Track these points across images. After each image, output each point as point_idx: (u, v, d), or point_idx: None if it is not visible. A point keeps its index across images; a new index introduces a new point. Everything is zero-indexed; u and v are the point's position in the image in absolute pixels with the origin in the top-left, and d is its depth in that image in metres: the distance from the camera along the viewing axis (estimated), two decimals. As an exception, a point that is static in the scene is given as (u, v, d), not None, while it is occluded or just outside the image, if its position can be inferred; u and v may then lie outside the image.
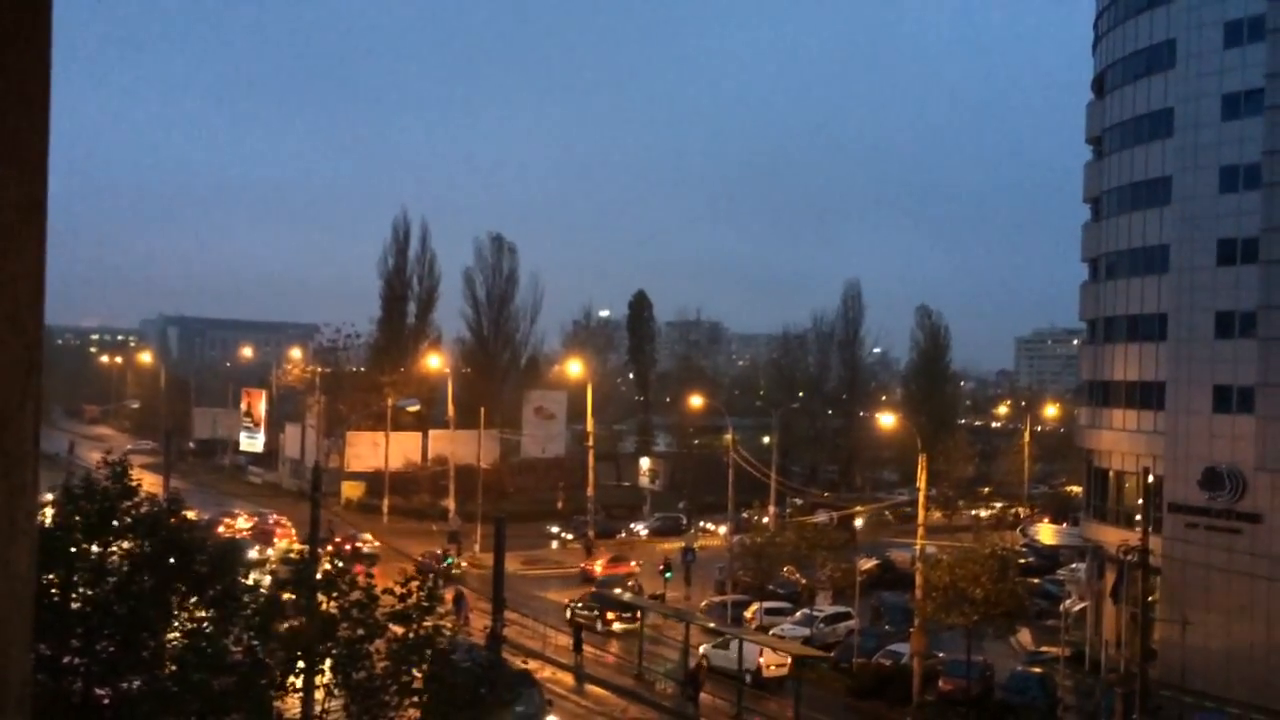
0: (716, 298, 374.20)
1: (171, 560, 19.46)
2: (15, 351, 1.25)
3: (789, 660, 42.76)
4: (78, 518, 19.03)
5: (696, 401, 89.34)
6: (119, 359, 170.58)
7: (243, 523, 70.17)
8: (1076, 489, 79.74)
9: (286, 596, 18.27)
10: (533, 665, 44.67)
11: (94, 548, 19.32)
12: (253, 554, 45.51)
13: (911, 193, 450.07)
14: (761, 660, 44.06)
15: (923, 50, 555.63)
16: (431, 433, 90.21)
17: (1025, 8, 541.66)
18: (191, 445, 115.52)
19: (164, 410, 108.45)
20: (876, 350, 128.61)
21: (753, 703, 42.03)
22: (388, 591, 16.99)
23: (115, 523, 19.35)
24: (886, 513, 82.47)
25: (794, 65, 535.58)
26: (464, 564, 64.11)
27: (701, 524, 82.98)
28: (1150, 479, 46.72)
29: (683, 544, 70.92)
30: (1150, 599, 43.51)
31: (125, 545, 19.85)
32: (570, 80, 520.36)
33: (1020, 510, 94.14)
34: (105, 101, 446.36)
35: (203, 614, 19.08)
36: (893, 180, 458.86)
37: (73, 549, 18.81)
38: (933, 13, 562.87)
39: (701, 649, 45.75)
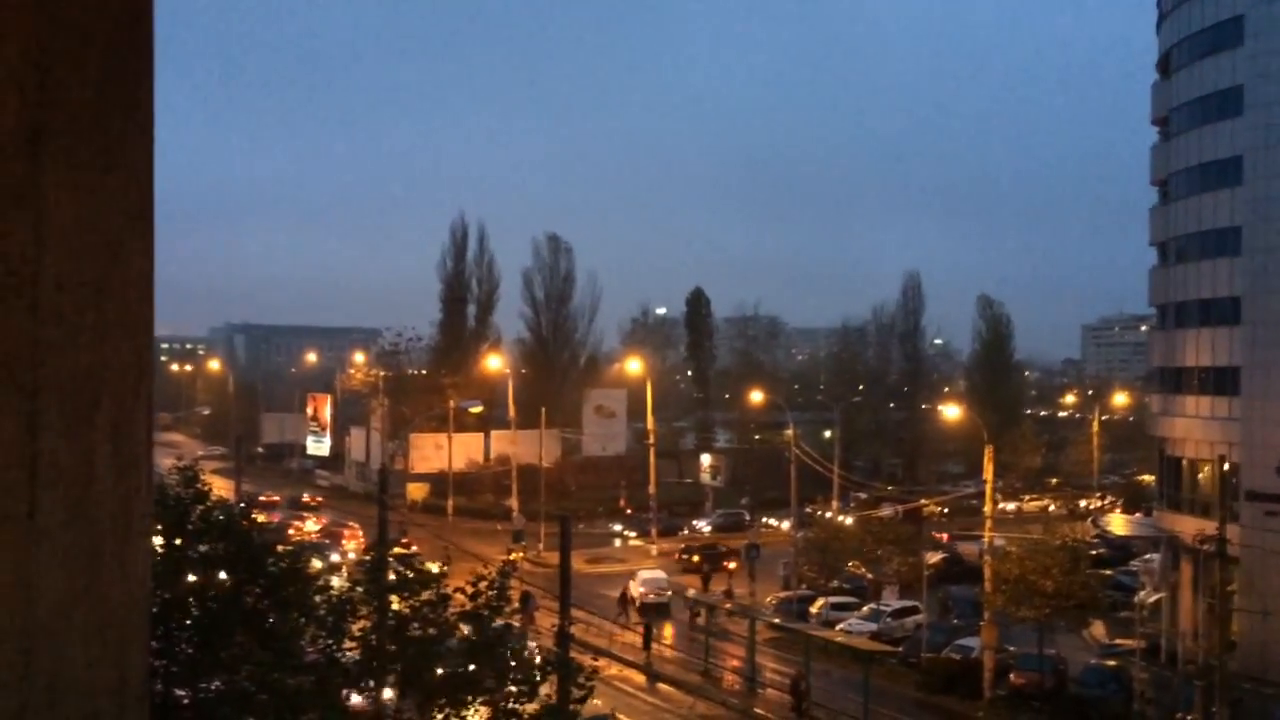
0: (774, 292, 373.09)
1: (245, 562, 19.86)
2: (127, 356, 1.28)
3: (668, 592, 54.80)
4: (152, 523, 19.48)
5: (756, 397, 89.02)
6: (189, 367, 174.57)
7: (312, 525, 71.47)
8: (1149, 478, 78.00)
9: (359, 596, 18.55)
10: (601, 663, 44.92)
11: (169, 552, 19.77)
12: (319, 560, 46.51)
13: (970, 181, 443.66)
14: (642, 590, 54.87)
15: (979, 35, 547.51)
16: (493, 433, 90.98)
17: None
18: (260, 450, 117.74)
19: (233, 416, 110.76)
20: (938, 342, 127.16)
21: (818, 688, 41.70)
22: (459, 590, 17.17)
23: (189, 526, 19.78)
24: (943, 509, 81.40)
25: (845, 57, 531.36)
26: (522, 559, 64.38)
27: (764, 520, 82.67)
28: (1226, 466, 45.53)
29: (746, 540, 70.71)
30: (1229, 589, 42.39)
31: (201, 548, 20.30)
32: (621, 80, 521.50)
33: (1091, 501, 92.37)
34: (167, 110, 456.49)
35: (276, 615, 19.44)
36: (950, 169, 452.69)
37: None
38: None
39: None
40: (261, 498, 77.05)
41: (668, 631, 52.25)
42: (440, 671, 17.00)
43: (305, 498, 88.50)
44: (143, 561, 1.34)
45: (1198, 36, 51.06)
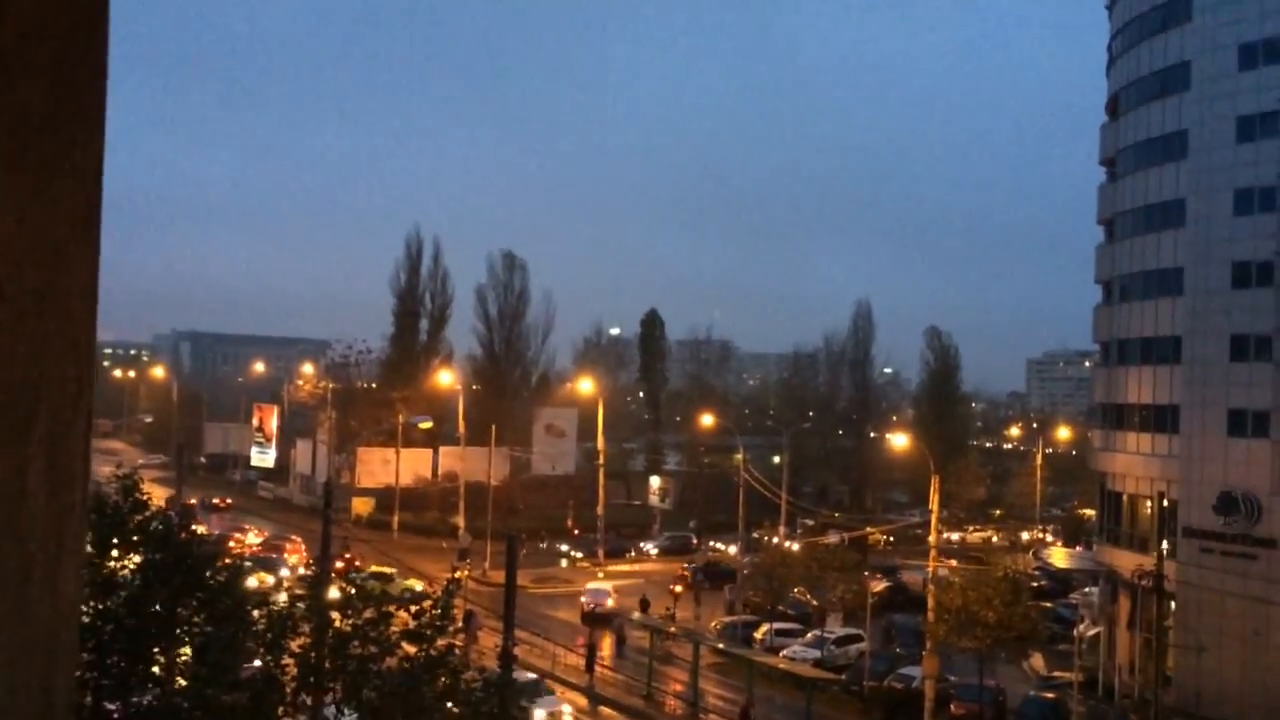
0: (727, 317, 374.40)
1: (182, 574, 19.43)
2: (68, 369, 1.22)
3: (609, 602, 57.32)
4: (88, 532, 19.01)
5: (707, 420, 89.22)
6: (132, 373, 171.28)
7: (253, 538, 70.32)
8: (1090, 512, 79.27)
9: (298, 612, 18.22)
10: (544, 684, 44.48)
11: (105, 561, 19.29)
12: (268, 575, 45.83)
13: (921, 214, 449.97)
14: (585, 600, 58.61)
15: (934, 72, 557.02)
16: (442, 449, 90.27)
17: (1038, 29, 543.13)
18: (203, 460, 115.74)
19: (176, 424, 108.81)
20: (887, 371, 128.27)
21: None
22: (402, 607, 16.95)
23: (128, 537, 19.33)
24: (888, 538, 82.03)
25: (804, 87, 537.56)
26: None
27: (711, 543, 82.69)
28: (1164, 503, 46.37)
29: (692, 563, 70.68)
30: (1165, 624, 43.09)
31: (136, 559, 19.83)
32: (580, 99, 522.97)
33: (1033, 533, 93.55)
34: (120, 115, 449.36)
35: (213, 629, 19.03)
36: (902, 201, 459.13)
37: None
38: (945, 35, 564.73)
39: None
40: (215, 500, 76.82)
41: (607, 650, 52.00)
42: (380, 690, 16.73)
43: (215, 500, 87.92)
44: (74, 580, 1.28)
45: (1146, 80, 52.29)
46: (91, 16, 1.19)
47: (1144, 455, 51.06)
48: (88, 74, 1.21)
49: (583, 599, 59.58)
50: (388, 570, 59.20)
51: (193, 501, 76.69)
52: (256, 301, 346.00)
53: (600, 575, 68.53)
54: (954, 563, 45.50)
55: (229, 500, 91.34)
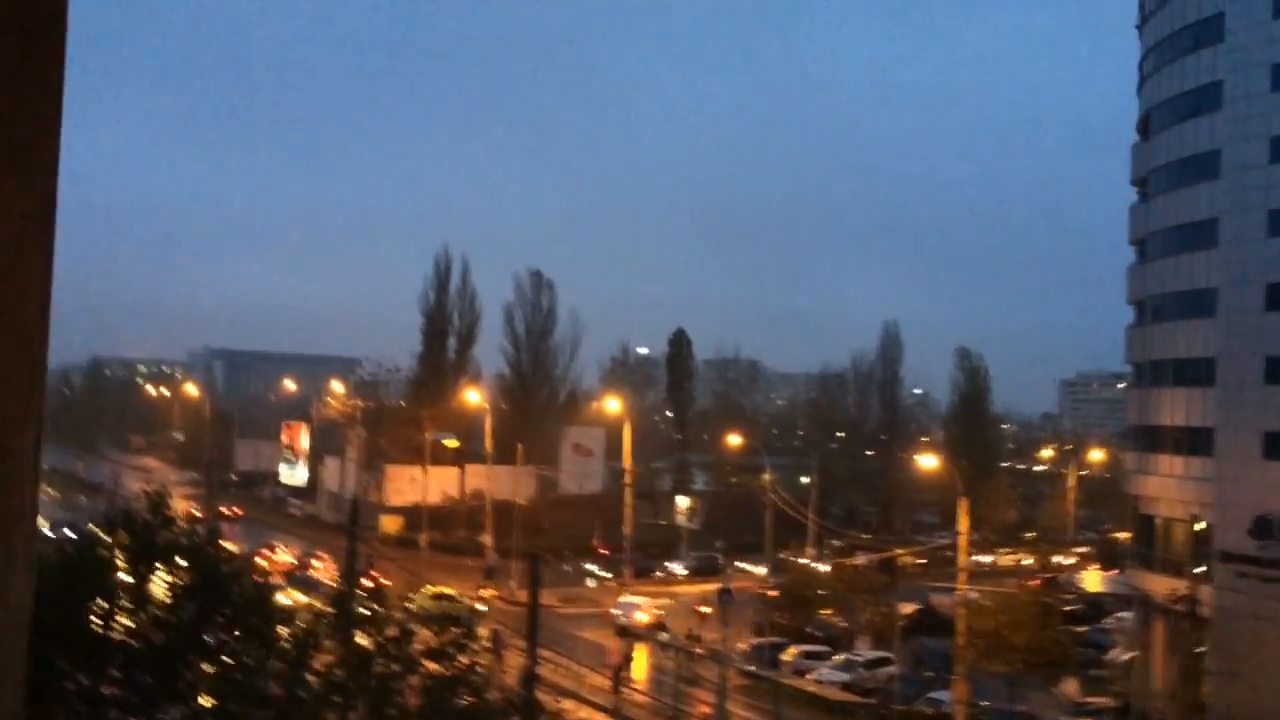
0: (755, 336, 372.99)
1: (208, 591, 19.52)
2: (20, 370, 1.21)
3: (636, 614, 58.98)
4: (116, 548, 19.20)
5: (735, 440, 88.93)
6: (165, 391, 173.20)
7: (282, 555, 70.70)
8: (1124, 536, 78.22)
9: (322, 630, 18.25)
10: (568, 705, 44.32)
11: (132, 578, 19.43)
12: (301, 594, 45.98)
13: (950, 234, 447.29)
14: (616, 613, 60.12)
15: (962, 92, 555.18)
16: (469, 468, 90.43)
17: (1068, 48, 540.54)
18: (233, 477, 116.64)
19: (208, 442, 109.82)
20: (916, 391, 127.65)
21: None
22: (425, 625, 16.95)
23: (153, 552, 19.48)
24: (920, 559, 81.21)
25: (830, 108, 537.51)
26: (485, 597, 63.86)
27: (738, 564, 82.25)
28: (1199, 527, 45.68)
29: (719, 583, 70.28)
30: (1199, 650, 42.38)
31: (165, 576, 19.96)
32: (606, 120, 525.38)
33: (1065, 557, 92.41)
34: (156, 138, 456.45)
35: (239, 646, 19.09)
36: (932, 220, 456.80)
37: (112, 579, 18.96)
38: (971, 55, 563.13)
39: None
40: (224, 510, 77.34)
41: (641, 665, 51.85)
42: (403, 709, 16.71)
43: (224, 509, 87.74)
44: (24, 585, 1.26)
45: (1177, 100, 51.87)
46: (48, 20, 1.19)
47: (1177, 478, 50.35)
48: (43, 75, 1.21)
49: (615, 611, 61.09)
50: (449, 590, 59.80)
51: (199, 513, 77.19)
52: (288, 319, 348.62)
53: (630, 594, 68.74)
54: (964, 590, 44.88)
55: (239, 510, 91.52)
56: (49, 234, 1.22)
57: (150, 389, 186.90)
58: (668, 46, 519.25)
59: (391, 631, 16.97)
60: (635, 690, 48.97)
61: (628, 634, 56.60)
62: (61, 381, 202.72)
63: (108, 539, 19.68)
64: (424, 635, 16.91)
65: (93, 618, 18.65)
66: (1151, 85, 54.65)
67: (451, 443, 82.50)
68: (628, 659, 50.50)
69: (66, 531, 39.67)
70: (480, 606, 57.97)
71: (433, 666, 16.75)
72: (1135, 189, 57.01)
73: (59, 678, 18.75)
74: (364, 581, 29.35)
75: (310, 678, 17.55)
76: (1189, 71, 51.17)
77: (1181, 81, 51.63)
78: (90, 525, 20.95)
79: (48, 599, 18.46)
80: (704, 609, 59.97)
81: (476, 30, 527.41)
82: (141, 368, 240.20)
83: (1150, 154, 54.31)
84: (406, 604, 18.82)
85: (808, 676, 47.96)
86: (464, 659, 16.80)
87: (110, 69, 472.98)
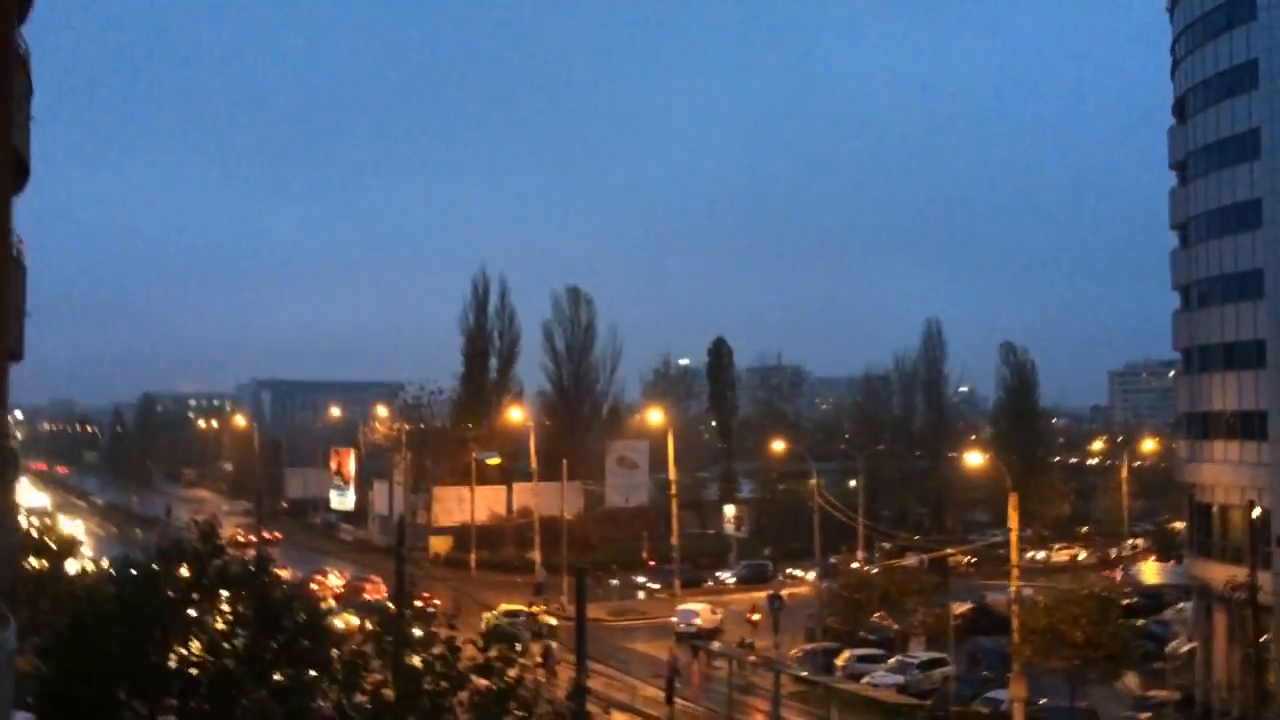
0: (796, 342, 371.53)
1: (262, 618, 19.81)
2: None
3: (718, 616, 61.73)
4: (169, 577, 19.57)
5: (779, 447, 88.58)
6: (215, 423, 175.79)
7: (334, 580, 71.38)
8: (1180, 525, 76.94)
9: (370, 651, 18.48)
10: (620, 717, 44.36)
11: (186, 607, 19.78)
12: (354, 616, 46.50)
13: (989, 227, 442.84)
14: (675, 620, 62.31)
15: (1001, 82, 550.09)
16: (515, 486, 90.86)
17: (1099, 35, 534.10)
18: (284, 504, 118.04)
19: (257, 471, 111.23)
20: (962, 389, 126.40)
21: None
22: (470, 641, 17.09)
23: (205, 582, 19.83)
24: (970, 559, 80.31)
25: (865, 103, 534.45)
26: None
27: (788, 570, 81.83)
28: (1256, 512, 44.76)
29: (769, 591, 70.03)
30: (1262, 638, 41.48)
31: (219, 605, 20.29)
32: (639, 133, 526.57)
33: (1122, 549, 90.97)
34: (202, 177, 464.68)
35: (293, 671, 19.35)
36: (970, 216, 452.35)
37: (166, 608, 19.31)
38: (1004, 47, 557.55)
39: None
40: (264, 534, 77.83)
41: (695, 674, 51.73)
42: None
43: (265, 534, 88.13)
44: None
45: (1212, 81, 51.07)
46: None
47: (1232, 464, 49.40)
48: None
49: (674, 619, 62.63)
50: (519, 607, 60.42)
51: (240, 536, 77.67)
52: (332, 348, 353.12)
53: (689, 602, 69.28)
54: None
55: (278, 534, 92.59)
56: (5, 262, 1.30)
57: (200, 422, 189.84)
58: (699, 55, 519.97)
59: (439, 649, 17.12)
60: (688, 701, 48.86)
61: (686, 642, 56.96)
62: (113, 418, 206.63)
63: (159, 569, 20.07)
64: (471, 651, 17.04)
65: (149, 647, 19.01)
66: (1185, 67, 53.87)
67: (494, 461, 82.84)
68: (677, 668, 50.32)
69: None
70: (551, 620, 58.59)
71: (482, 682, 16.88)
72: (1174, 173, 56.19)
73: (118, 708, 19.14)
74: (415, 602, 29.63)
75: (361, 698, 17.75)
76: (1222, 51, 50.39)
77: (1215, 62, 50.85)
78: (141, 556, 21.35)
79: (105, 630, 18.88)
80: (755, 616, 59.77)
81: (507, 50, 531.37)
82: (192, 401, 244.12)
83: (1187, 137, 53.50)
84: (466, 621, 18.96)
85: (862, 680, 47.53)
86: (513, 673, 16.90)
87: (152, 108, 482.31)
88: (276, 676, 19.38)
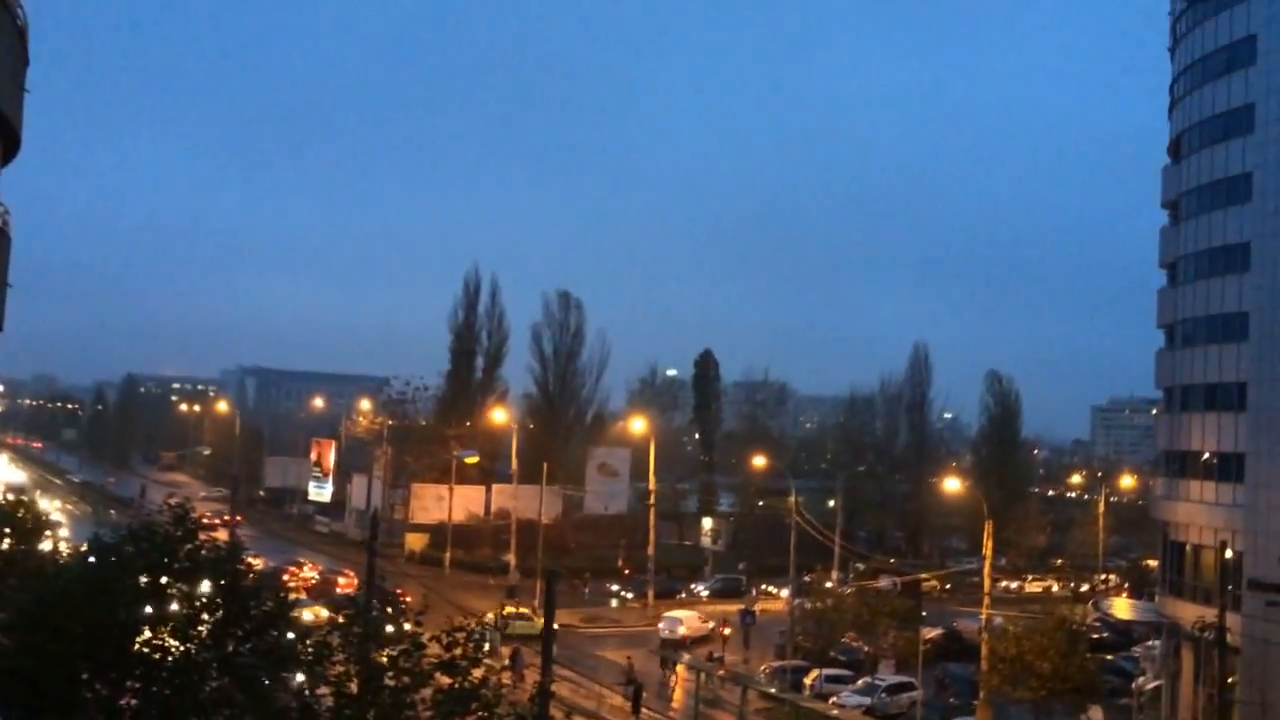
0: (783, 359, 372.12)
1: (230, 605, 19.66)
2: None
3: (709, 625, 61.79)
4: (137, 559, 19.42)
5: (760, 462, 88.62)
6: (197, 407, 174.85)
7: (308, 572, 71.00)
8: (1154, 562, 77.21)
9: (338, 643, 18.38)
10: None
11: (153, 590, 19.62)
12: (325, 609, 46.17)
13: (982, 255, 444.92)
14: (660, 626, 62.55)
15: (994, 115, 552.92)
16: (495, 487, 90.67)
17: (1098, 70, 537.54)
18: (262, 493, 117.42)
19: (236, 458, 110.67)
20: (946, 415, 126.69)
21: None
22: (435, 639, 17.02)
23: (174, 564, 19.68)
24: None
25: (861, 128, 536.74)
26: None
27: (762, 586, 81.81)
28: (1229, 554, 44.98)
29: (742, 606, 69.98)
30: (1229, 680, 41.65)
31: (185, 589, 20.13)
32: (633, 142, 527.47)
33: (1095, 583, 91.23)
34: (194, 161, 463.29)
35: (258, 660, 19.21)
36: (962, 243, 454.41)
37: (133, 590, 19.16)
38: (1000, 77, 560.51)
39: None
40: (225, 518, 76.74)
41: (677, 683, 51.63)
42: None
43: (225, 518, 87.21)
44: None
45: (1209, 122, 51.45)
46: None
47: (1208, 504, 49.65)
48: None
49: (660, 625, 63.48)
50: (524, 610, 60.21)
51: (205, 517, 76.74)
52: (320, 338, 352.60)
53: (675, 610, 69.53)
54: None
55: (239, 518, 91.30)
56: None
57: (183, 406, 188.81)
58: (696, 70, 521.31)
59: (403, 644, 17.06)
60: (655, 713, 48.72)
61: (658, 651, 56.89)
62: (95, 397, 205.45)
63: (129, 550, 19.89)
64: (436, 649, 16.97)
65: (113, 629, 18.84)
66: (1183, 108, 54.27)
67: (473, 460, 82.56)
68: (634, 677, 49.96)
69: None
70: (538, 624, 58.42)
71: (446, 680, 16.80)
72: (1166, 212, 56.55)
73: (79, 687, 18.96)
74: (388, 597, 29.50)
75: (324, 690, 17.65)
76: (1220, 94, 50.77)
77: (1213, 104, 51.24)
78: (110, 536, 21.18)
79: (69, 609, 18.72)
80: (725, 630, 59.68)
81: (505, 54, 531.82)
82: (176, 385, 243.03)
83: (1181, 177, 53.87)
84: (434, 619, 18.89)
85: (829, 701, 47.55)
86: (477, 673, 16.83)
87: (149, 92, 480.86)
88: (241, 666, 19.24)
